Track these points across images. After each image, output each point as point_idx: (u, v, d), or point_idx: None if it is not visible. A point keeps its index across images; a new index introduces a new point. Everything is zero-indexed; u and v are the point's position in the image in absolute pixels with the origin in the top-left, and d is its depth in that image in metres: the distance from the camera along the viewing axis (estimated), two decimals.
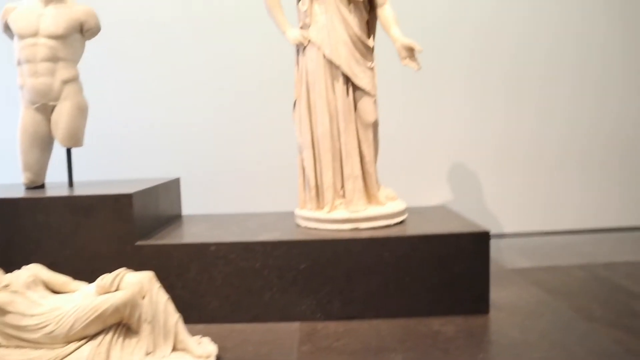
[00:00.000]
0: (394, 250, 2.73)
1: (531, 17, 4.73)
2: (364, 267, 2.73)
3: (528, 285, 3.22)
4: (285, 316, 2.75)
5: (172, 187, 3.48)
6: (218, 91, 4.73)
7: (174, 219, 3.46)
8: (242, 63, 4.72)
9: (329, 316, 2.75)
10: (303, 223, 3.05)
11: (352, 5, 2.95)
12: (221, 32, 4.73)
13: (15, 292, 2.32)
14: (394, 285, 2.74)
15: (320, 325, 2.70)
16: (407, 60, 2.96)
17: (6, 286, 2.33)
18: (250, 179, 4.69)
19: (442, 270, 2.74)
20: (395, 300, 2.74)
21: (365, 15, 3.04)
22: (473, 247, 2.75)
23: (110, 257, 2.78)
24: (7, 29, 3.28)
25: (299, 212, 3.11)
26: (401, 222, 3.02)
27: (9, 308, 2.28)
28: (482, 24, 4.67)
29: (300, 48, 3.02)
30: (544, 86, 4.77)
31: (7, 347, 2.28)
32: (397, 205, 3.04)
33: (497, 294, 2.99)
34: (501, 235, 4.62)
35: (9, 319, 2.27)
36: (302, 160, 3.09)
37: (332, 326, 2.67)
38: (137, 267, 2.40)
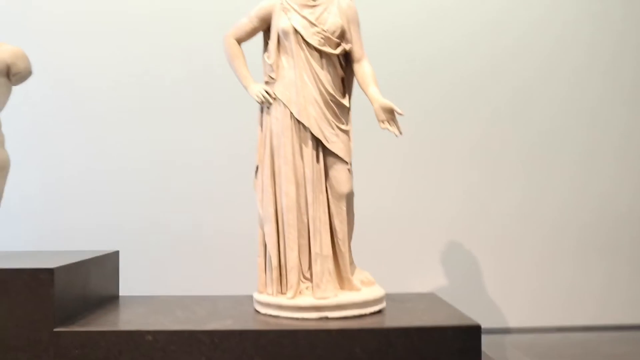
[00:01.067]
0: (367, 345, 2.31)
1: (539, 76, 4.23)
2: None
3: None
4: None
5: (107, 262, 2.98)
6: (166, 154, 4.10)
7: (108, 300, 2.95)
8: (193, 121, 4.11)
9: None
10: (262, 310, 2.59)
11: (324, 59, 2.60)
12: (166, 89, 4.13)
13: None
14: None
15: None
16: (386, 124, 2.61)
17: None
18: (203, 255, 4.02)
19: None
20: None
21: (340, 72, 2.69)
22: (462, 343, 2.34)
23: (21, 347, 2.30)
24: None
25: (257, 296, 2.64)
26: (378, 312, 2.58)
27: None
28: (482, 85, 4.20)
29: (265, 106, 2.64)
30: (557, 153, 4.24)
31: None
32: (374, 292, 2.61)
33: None
34: (506, 331, 4.07)
35: None
36: (263, 236, 2.64)
37: None
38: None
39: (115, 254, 3.12)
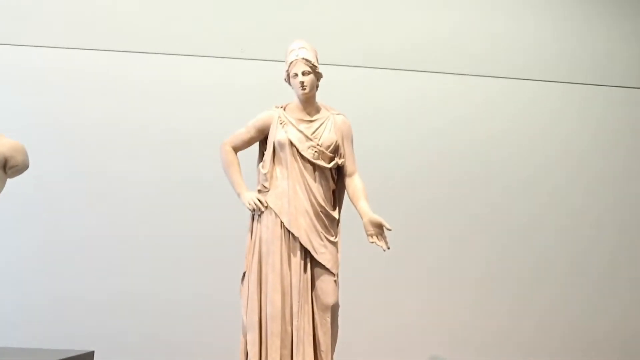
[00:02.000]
0: None
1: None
2: None
3: None
4: None
5: None
6: (149, 252, 4.03)
7: None
8: (180, 223, 4.08)
9: None
10: None
11: (317, 172, 2.70)
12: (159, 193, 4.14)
13: None
14: None
15: None
16: (375, 239, 2.67)
17: None
18: None
19: None
20: None
21: (332, 185, 2.78)
22: None
23: None
24: None
25: None
26: None
27: None
28: (473, 198, 4.35)
29: (256, 214, 2.69)
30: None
31: None
32: None
33: None
34: None
35: None
36: (245, 344, 2.60)
37: None
38: None
39: (90, 354, 3.00)
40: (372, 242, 2.66)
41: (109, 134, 4.13)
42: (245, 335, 2.60)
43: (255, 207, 2.66)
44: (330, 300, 2.60)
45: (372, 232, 2.66)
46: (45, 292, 3.92)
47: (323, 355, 2.57)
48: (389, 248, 2.66)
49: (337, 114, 2.82)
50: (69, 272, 3.96)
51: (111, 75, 4.20)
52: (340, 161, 2.77)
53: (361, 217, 2.70)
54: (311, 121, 2.76)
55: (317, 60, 2.74)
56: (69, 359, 2.71)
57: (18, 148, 2.91)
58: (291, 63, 2.70)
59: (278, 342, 2.51)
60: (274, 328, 2.52)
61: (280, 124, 2.74)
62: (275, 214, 2.62)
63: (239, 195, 2.74)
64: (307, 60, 2.68)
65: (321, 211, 2.65)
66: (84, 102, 4.17)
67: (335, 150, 2.76)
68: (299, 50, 2.71)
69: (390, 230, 2.63)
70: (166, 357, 3.88)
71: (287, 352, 2.53)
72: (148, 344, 3.88)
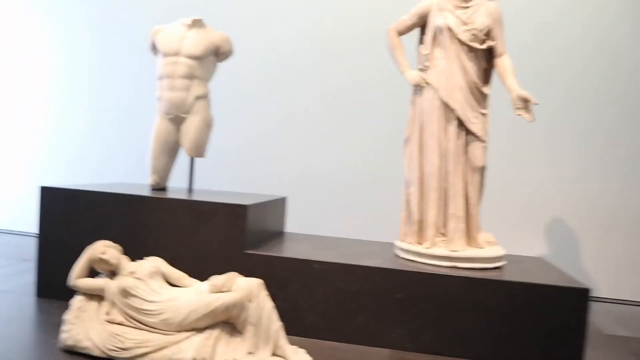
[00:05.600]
0: (490, 293, 2.76)
1: None
2: (459, 305, 2.78)
3: (627, 355, 3.09)
4: (375, 341, 2.84)
5: (279, 205, 3.69)
6: (332, 118, 4.95)
7: (278, 235, 3.65)
8: (358, 92, 4.90)
9: (418, 348, 2.80)
10: (402, 255, 3.15)
11: (472, 53, 3.08)
12: (342, 60, 4.94)
13: (139, 279, 2.57)
14: (485, 328, 2.76)
15: (409, 356, 2.75)
16: (522, 111, 3.03)
17: (132, 272, 2.60)
18: (352, 206, 4.82)
19: (537, 321, 2.73)
20: (485, 343, 2.76)
21: (484, 64, 3.15)
22: (571, 303, 2.72)
23: (220, 261, 3.01)
24: (154, 47, 3.67)
25: (399, 244, 3.21)
26: (498, 268, 3.04)
27: (133, 292, 2.53)
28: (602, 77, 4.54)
29: (418, 89, 3.17)
30: None
31: (128, 326, 2.51)
32: (496, 251, 3.07)
33: (592, 357, 2.90)
34: (597, 299, 4.44)
35: (131, 301, 2.52)
36: (408, 195, 3.20)
37: (421, 359, 2.72)
38: (243, 273, 2.58)
39: (284, 199, 3.83)
40: (519, 115, 3.04)
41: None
42: (407, 188, 3.21)
43: (417, 83, 3.14)
44: (479, 162, 3.08)
45: (520, 105, 3.03)
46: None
47: (471, 208, 3.10)
48: (533, 120, 3.03)
49: (490, 0, 3.12)
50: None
51: None
52: (491, 43, 3.11)
53: (509, 93, 3.07)
54: (466, 7, 3.10)
55: None
56: (268, 202, 3.52)
57: (226, 38, 3.65)
58: None
59: (435, 195, 3.08)
60: (432, 183, 3.09)
61: (439, 10, 3.12)
62: (435, 89, 3.09)
63: (402, 73, 3.23)
64: None
65: (474, 87, 3.06)
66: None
67: (488, 34, 3.10)
68: None
69: (536, 104, 2.98)
70: (338, 205, 4.80)
71: (442, 203, 3.10)
72: (327, 193, 4.88)
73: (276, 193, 3.90)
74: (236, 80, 4.96)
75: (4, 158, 6.20)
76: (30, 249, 4.83)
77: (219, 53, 3.62)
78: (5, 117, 6.12)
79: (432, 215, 3.08)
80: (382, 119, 4.72)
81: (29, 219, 4.97)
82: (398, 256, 3.18)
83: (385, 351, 2.78)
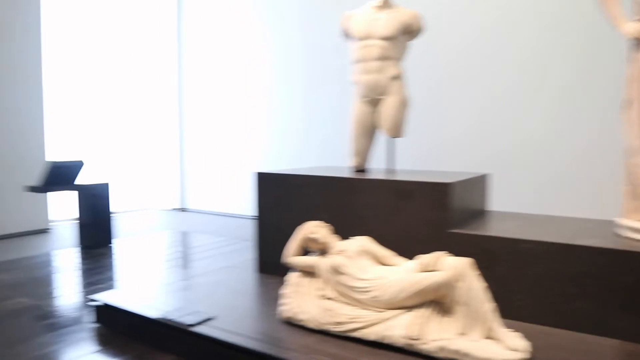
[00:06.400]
0: None
1: None
2: None
3: None
4: (599, 330, 2.57)
5: (481, 183, 3.54)
6: (538, 86, 4.62)
7: (481, 213, 3.52)
8: (565, 54, 4.51)
9: None
10: (627, 233, 2.79)
11: None
12: (546, 25, 4.61)
13: (348, 257, 2.68)
14: None
15: None
16: None
17: (341, 251, 2.72)
18: (558, 180, 4.46)
19: None
20: None
21: None
22: None
23: (424, 240, 2.99)
24: (346, 33, 3.76)
25: (622, 221, 2.86)
26: None
27: (342, 270, 2.65)
28: None
29: (637, 43, 2.76)
30: None
31: (339, 302, 2.64)
32: None
33: None
34: None
35: (342, 279, 2.64)
36: (633, 167, 2.82)
37: None
38: (448, 253, 2.51)
39: (486, 176, 3.66)
40: None
41: None
42: (631, 157, 2.81)
43: (638, 35, 2.73)
44: None
45: None
46: None
47: None
48: None
49: None
50: None
51: None
52: None
53: None
54: None
55: None
56: (471, 179, 3.40)
57: (416, 15, 3.59)
58: None
59: None
60: None
61: None
62: None
63: (617, 27, 2.80)
64: None
65: None
66: None
67: None
68: None
69: None
70: (543, 180, 4.44)
71: None
72: (530, 168, 4.54)
73: (477, 170, 3.75)
74: (433, 58, 4.89)
75: (226, 151, 7.03)
76: (249, 229, 5.39)
77: (409, 31, 3.59)
78: (225, 114, 6.92)
79: None
80: (594, 82, 4.23)
81: (246, 203, 5.54)
82: (620, 235, 2.83)
83: (610, 341, 2.50)
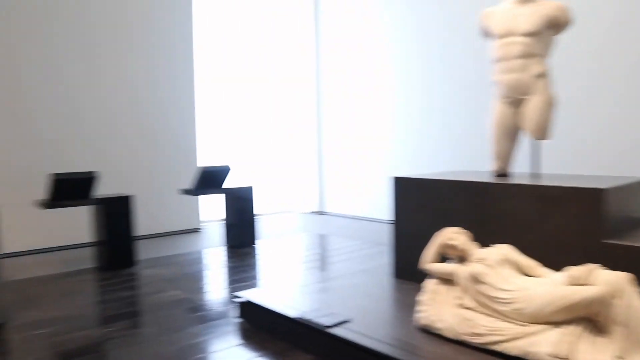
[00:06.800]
0: None
1: None
2: None
3: None
4: None
5: None
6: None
7: None
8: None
9: None
10: None
11: None
12: None
13: (489, 266, 2.55)
14: None
15: None
16: None
17: (481, 259, 2.60)
18: None
19: None
20: None
21: None
22: None
23: (573, 251, 2.75)
24: (485, 31, 3.60)
25: None
26: None
27: (482, 279, 2.53)
28: None
29: None
30: None
31: (478, 312, 2.53)
32: None
33: None
34: None
35: (482, 288, 2.52)
36: None
37: None
38: (603, 266, 2.30)
39: None
40: None
41: None
42: None
43: None
44: None
45: None
46: None
47: None
48: None
49: None
50: None
51: None
52: None
53: None
54: None
55: None
56: (632, 184, 3.05)
57: (562, 7, 3.32)
58: None
59: None
60: None
61: None
62: None
63: None
64: None
65: None
66: None
67: None
68: None
69: None
70: None
71: None
72: None
73: (637, 175, 3.38)
74: (582, 53, 4.52)
75: (363, 155, 7.12)
76: (384, 234, 5.39)
77: (555, 25, 3.33)
78: (362, 119, 7.00)
79: None
80: None
81: (382, 208, 5.54)
82: None
83: None
